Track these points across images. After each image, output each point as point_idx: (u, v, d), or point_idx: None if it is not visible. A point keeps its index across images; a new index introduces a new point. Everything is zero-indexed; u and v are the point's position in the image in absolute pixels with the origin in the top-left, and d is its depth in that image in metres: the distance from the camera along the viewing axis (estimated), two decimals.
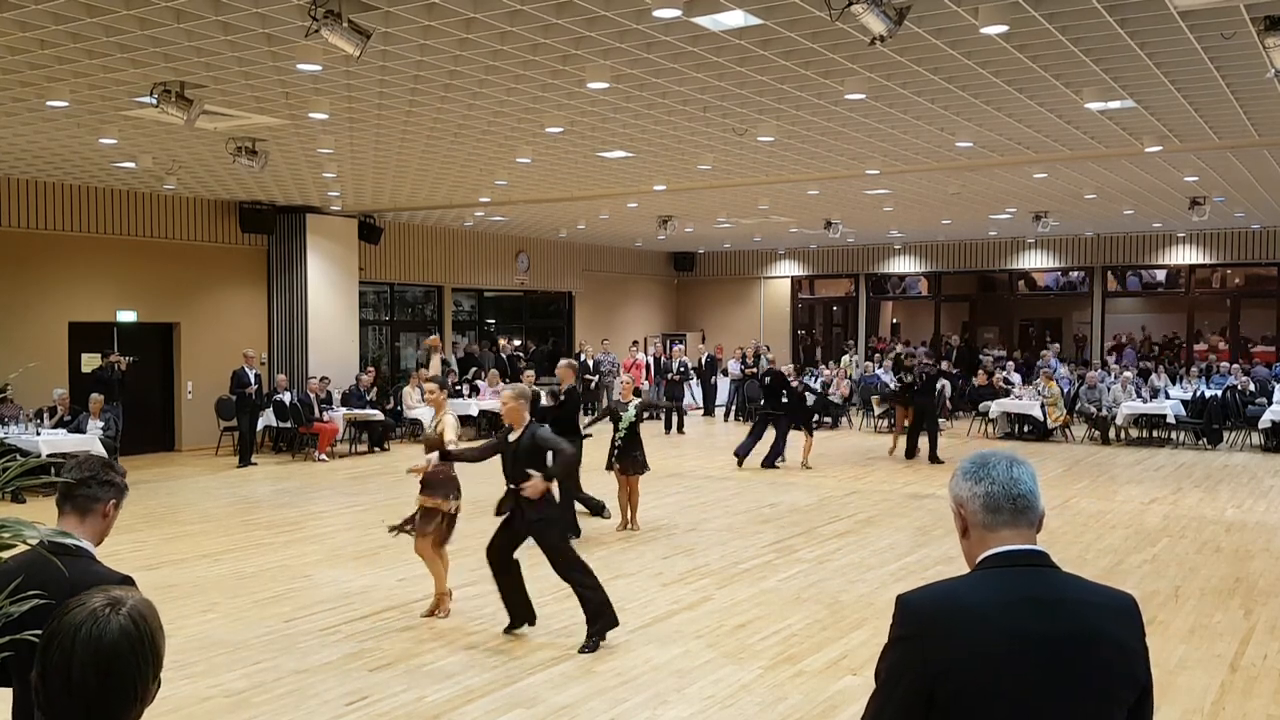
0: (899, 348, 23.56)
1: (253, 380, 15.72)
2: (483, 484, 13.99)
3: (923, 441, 16.20)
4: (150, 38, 7.68)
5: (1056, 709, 2.02)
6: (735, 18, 7.28)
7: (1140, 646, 2.12)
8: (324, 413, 16.84)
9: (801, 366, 22.50)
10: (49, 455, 11.54)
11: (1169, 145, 12.05)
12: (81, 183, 15.45)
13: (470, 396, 19.70)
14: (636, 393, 11.34)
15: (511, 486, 6.94)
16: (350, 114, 10.45)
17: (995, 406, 19.28)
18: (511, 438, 6.92)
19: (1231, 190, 16.39)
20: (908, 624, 2.08)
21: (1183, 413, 18.01)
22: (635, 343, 24.20)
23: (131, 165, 13.50)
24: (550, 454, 6.84)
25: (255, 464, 15.59)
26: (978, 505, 2.16)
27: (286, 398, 16.71)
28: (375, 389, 18.26)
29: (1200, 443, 17.79)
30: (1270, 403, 17.54)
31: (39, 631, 2.00)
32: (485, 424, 19.41)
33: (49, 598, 2.59)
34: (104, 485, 2.94)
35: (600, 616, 6.80)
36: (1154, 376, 20.06)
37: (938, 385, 17.38)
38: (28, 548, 2.85)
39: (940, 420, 20.02)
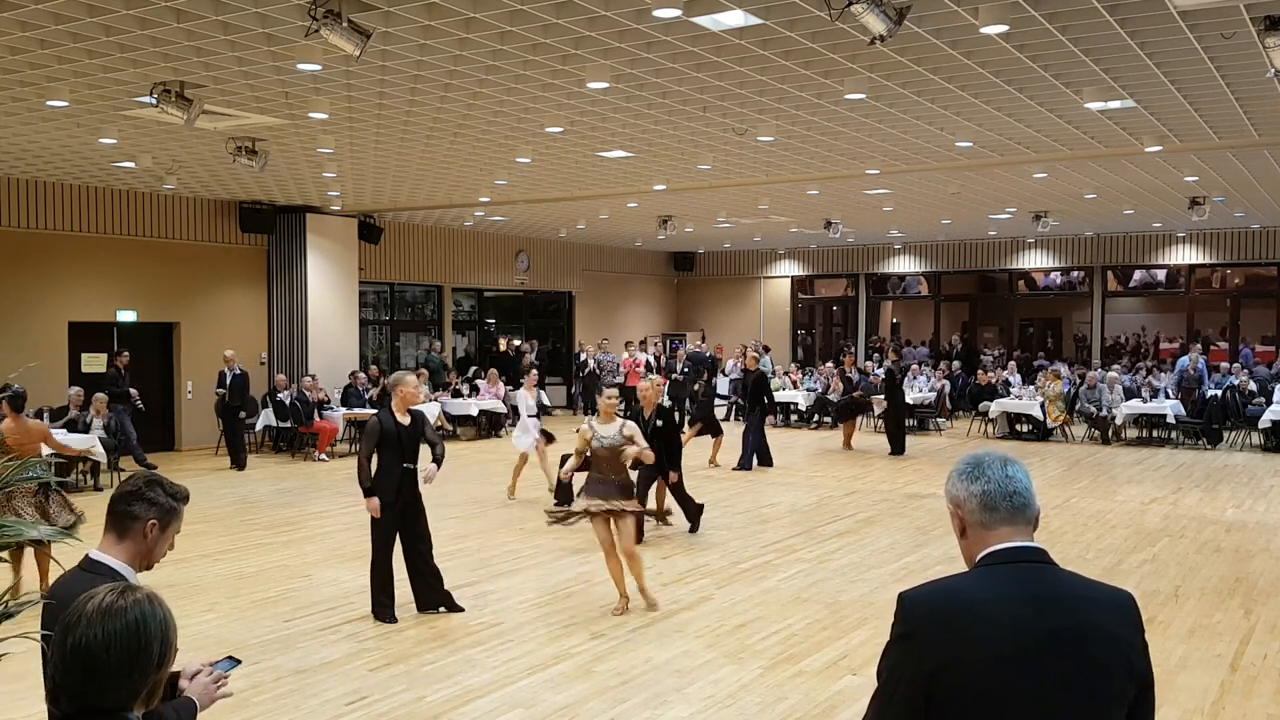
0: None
1: (228, 381, 15.52)
2: (485, 486, 13.99)
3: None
4: (150, 38, 7.69)
5: (1057, 703, 2.03)
6: (735, 18, 7.28)
7: (1139, 641, 2.13)
8: (321, 412, 16.83)
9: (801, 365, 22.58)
10: (48, 455, 11.52)
11: (1169, 145, 12.05)
12: (81, 183, 15.45)
13: (470, 396, 19.71)
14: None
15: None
16: (350, 114, 10.45)
17: (995, 406, 19.28)
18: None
19: (1231, 190, 16.39)
20: (909, 621, 2.10)
21: (1183, 413, 18.01)
22: (629, 343, 24.09)
23: (131, 165, 13.50)
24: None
25: (246, 467, 15.29)
26: (974, 505, 2.19)
27: (286, 397, 16.70)
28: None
29: (1200, 443, 17.79)
30: (1269, 403, 17.54)
31: (45, 632, 2.02)
32: (486, 423, 19.43)
33: (47, 598, 2.60)
34: (146, 503, 2.78)
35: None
36: (1153, 377, 20.05)
37: (904, 381, 17.61)
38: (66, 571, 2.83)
39: (940, 420, 20.14)
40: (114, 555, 2.77)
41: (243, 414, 15.69)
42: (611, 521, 7.52)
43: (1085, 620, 2.08)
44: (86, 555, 2.81)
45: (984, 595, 2.09)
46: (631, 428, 7.66)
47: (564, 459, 9.71)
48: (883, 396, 17.37)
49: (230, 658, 2.77)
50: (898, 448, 16.68)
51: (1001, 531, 2.17)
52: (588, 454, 7.69)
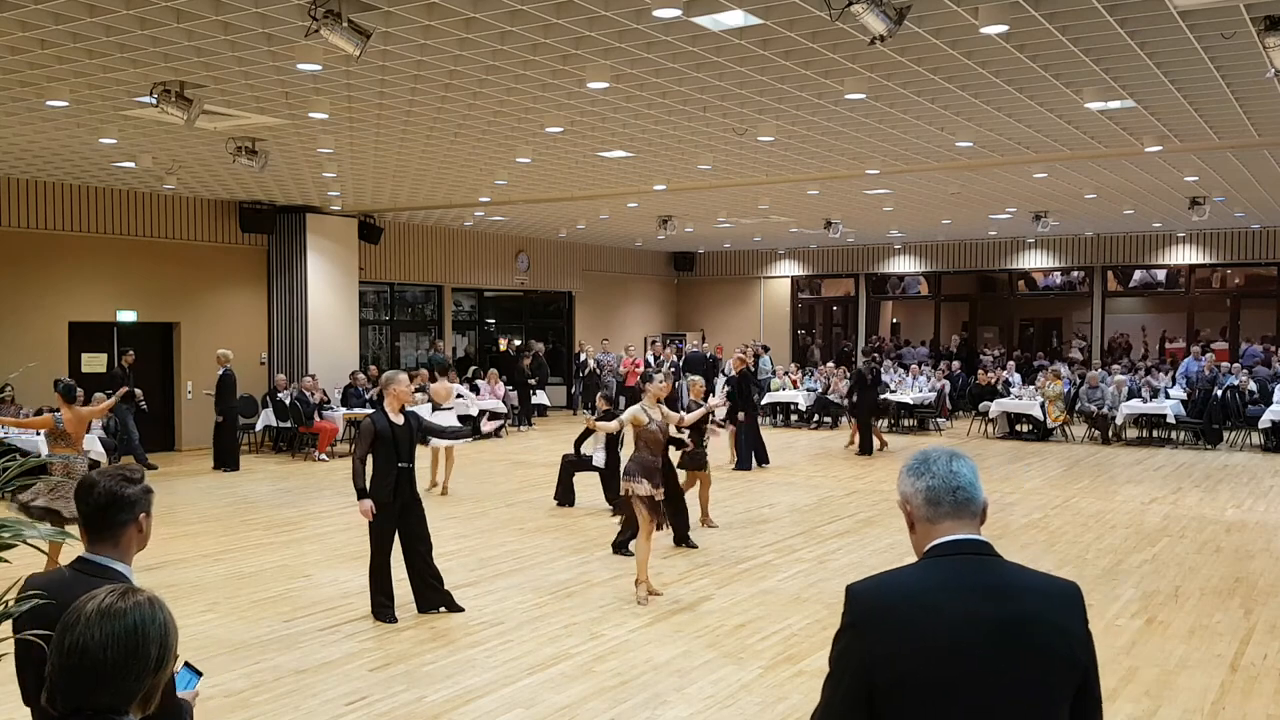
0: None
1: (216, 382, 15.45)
2: (485, 485, 13.98)
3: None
4: (150, 38, 7.69)
5: (999, 692, 2.07)
6: (735, 18, 7.28)
7: (1081, 631, 2.16)
8: (321, 412, 16.82)
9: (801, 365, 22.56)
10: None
11: (1169, 145, 12.05)
12: (81, 183, 15.45)
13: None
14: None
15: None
16: (350, 114, 10.45)
17: (995, 406, 19.27)
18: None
19: (1231, 190, 16.39)
20: (853, 612, 2.16)
21: (1183, 413, 18.01)
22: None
23: (131, 165, 13.50)
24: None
25: (228, 469, 15.08)
26: (920, 500, 2.26)
27: (286, 397, 16.69)
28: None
29: (1200, 443, 17.78)
30: (1269, 403, 17.54)
31: (40, 632, 2.02)
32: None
33: (48, 598, 2.59)
34: (129, 504, 2.75)
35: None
36: (1152, 376, 20.05)
37: (879, 381, 17.65)
38: (58, 567, 2.81)
39: (941, 420, 20.14)
40: (113, 557, 2.75)
41: (220, 416, 15.31)
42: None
43: (1027, 611, 2.11)
44: (83, 559, 2.76)
45: (926, 586, 2.15)
46: (667, 412, 8.56)
47: (602, 417, 11.05)
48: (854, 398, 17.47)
49: (188, 666, 2.72)
50: (865, 448, 16.81)
51: (945, 525, 2.23)
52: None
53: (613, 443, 11.42)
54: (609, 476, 11.46)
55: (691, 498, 10.48)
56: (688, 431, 9.79)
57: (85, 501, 2.76)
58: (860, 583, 2.22)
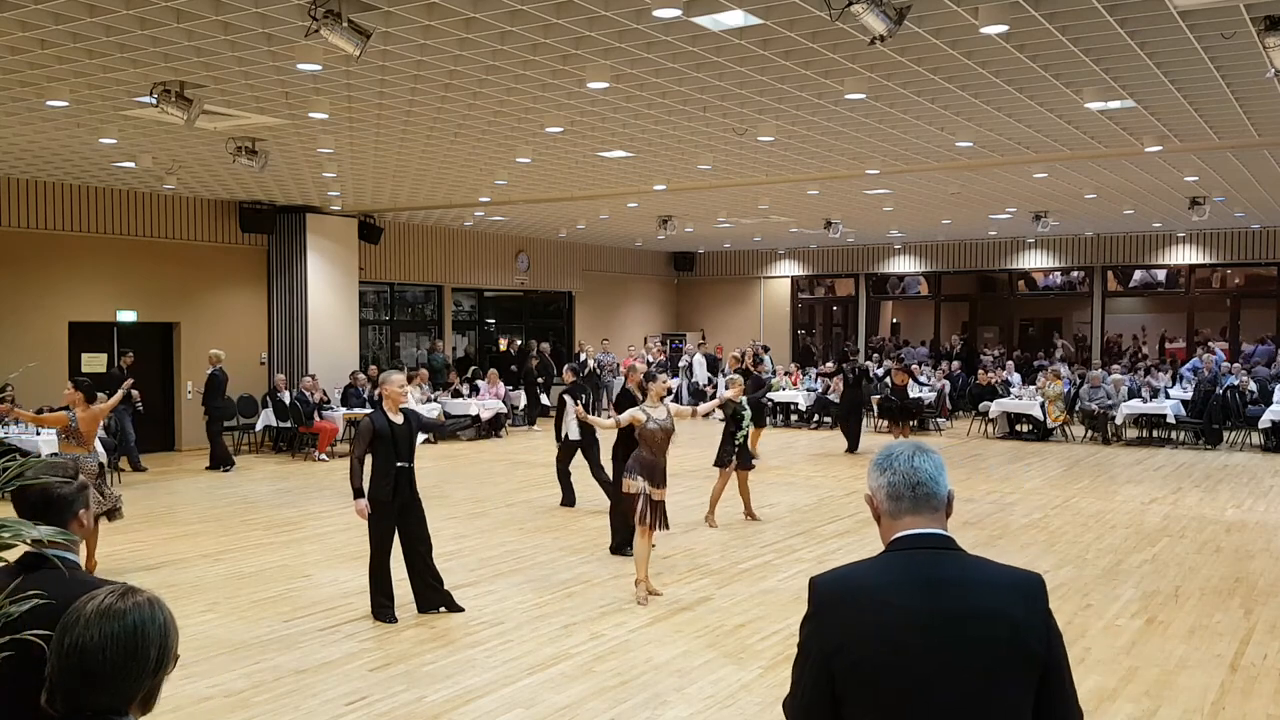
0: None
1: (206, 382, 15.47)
2: (485, 485, 14.01)
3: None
4: (150, 38, 7.69)
5: (946, 682, 2.09)
6: (735, 18, 7.28)
7: (1038, 622, 2.15)
8: (321, 412, 16.82)
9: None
10: (49, 455, 11.53)
11: (1169, 145, 12.05)
12: (81, 183, 15.45)
13: (470, 396, 19.70)
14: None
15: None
16: (350, 114, 10.45)
17: (995, 406, 19.27)
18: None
19: (1231, 190, 16.39)
20: (814, 602, 2.25)
21: (1183, 413, 18.01)
22: (631, 347, 24.24)
23: (131, 165, 13.50)
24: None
25: (220, 467, 15.11)
26: (883, 495, 2.36)
27: (286, 397, 16.69)
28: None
29: (1200, 443, 17.78)
30: (1269, 403, 17.54)
31: (40, 632, 2.01)
32: (486, 425, 19.43)
33: (48, 598, 2.58)
34: (65, 505, 2.75)
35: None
36: (1152, 377, 20.05)
37: (865, 380, 17.76)
38: (22, 554, 2.80)
39: (941, 420, 20.14)
40: (61, 549, 2.72)
41: (206, 415, 15.39)
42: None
43: (974, 604, 2.13)
44: (34, 553, 2.71)
45: (881, 580, 2.22)
46: (675, 407, 8.49)
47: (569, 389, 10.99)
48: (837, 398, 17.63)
49: None
50: (853, 444, 17.05)
51: (906, 520, 2.30)
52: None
53: None
54: (588, 446, 11.57)
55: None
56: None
57: (24, 503, 2.76)
58: (822, 574, 2.29)
